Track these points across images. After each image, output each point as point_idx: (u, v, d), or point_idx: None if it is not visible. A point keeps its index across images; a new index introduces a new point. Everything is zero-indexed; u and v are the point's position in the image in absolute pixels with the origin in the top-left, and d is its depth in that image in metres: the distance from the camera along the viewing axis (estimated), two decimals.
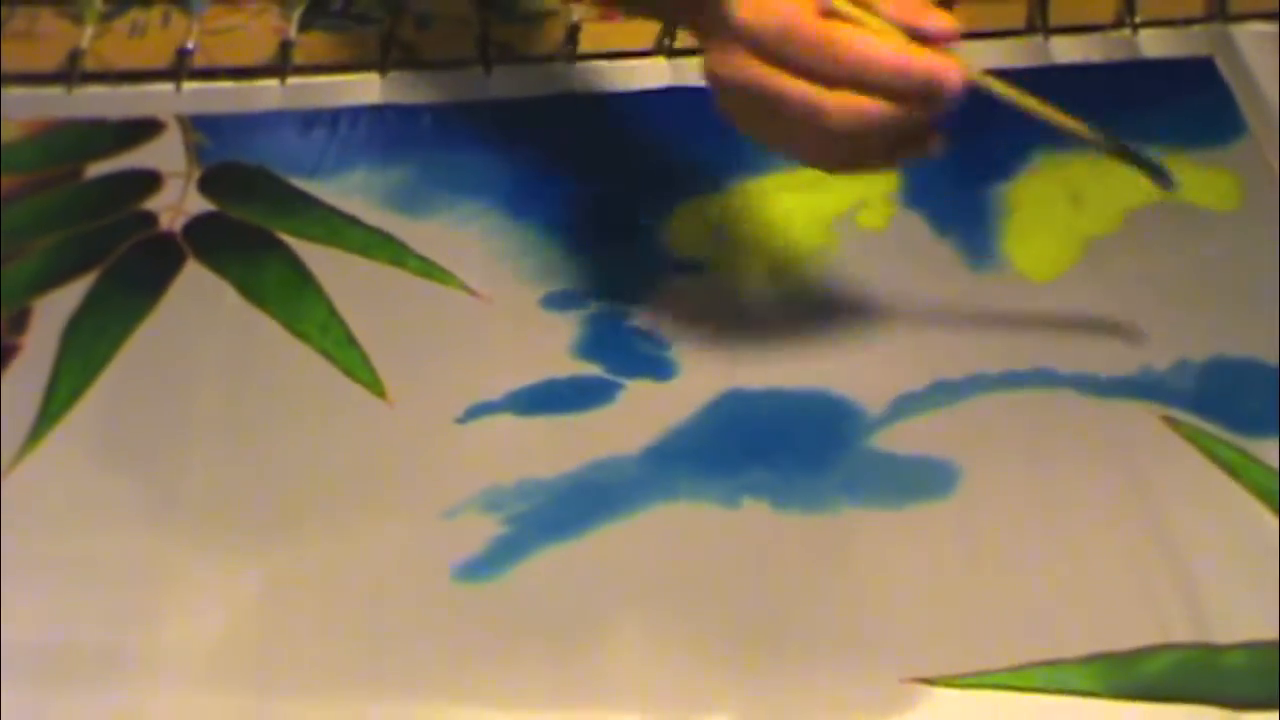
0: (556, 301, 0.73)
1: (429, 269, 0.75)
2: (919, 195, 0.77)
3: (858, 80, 0.58)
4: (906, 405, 0.68)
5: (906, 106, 0.58)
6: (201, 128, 0.84)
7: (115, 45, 0.88)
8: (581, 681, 0.59)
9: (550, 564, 0.63)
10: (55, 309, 0.74)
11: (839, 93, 0.58)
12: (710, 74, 0.61)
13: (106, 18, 0.88)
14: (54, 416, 0.69)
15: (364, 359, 0.71)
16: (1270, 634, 0.59)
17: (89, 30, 0.88)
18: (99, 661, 0.60)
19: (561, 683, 0.59)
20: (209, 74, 0.87)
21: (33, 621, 0.62)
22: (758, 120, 0.61)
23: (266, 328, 0.73)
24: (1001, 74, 0.85)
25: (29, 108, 0.85)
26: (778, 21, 0.58)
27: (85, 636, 0.61)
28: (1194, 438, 0.66)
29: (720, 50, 0.60)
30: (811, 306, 0.73)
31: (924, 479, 0.65)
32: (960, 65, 0.58)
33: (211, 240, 0.77)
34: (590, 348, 0.71)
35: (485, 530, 0.64)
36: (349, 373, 0.71)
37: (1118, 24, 0.87)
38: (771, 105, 0.59)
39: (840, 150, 0.61)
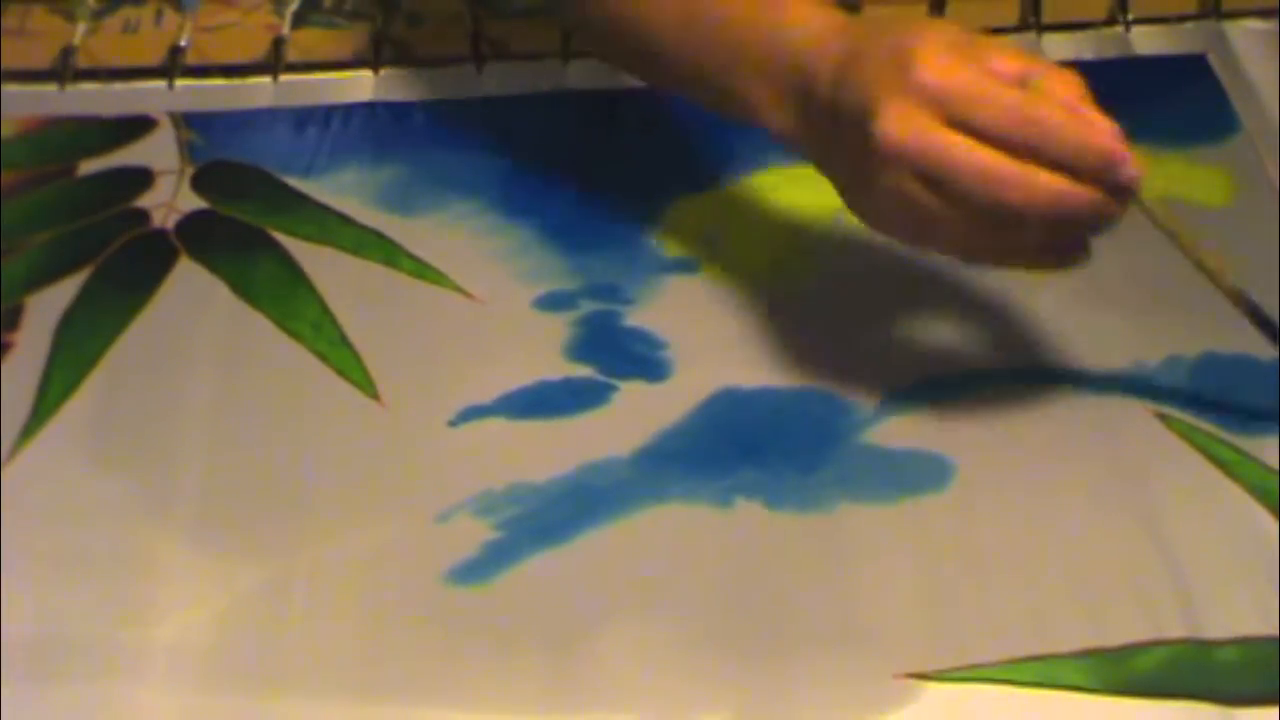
0: (549, 302, 0.73)
1: (422, 269, 0.75)
2: None
3: (1051, 143, 0.57)
4: (899, 401, 0.68)
5: (1086, 191, 0.58)
6: (194, 125, 0.84)
7: (108, 42, 0.88)
8: (575, 684, 0.59)
9: (543, 568, 0.63)
10: (48, 306, 0.74)
11: (1021, 164, 0.57)
12: (885, 135, 0.58)
13: (99, 15, 0.88)
14: (47, 414, 0.69)
15: (357, 359, 0.71)
16: (1264, 629, 0.59)
17: (81, 27, 0.88)
18: (90, 658, 0.60)
19: (555, 686, 0.59)
20: (202, 71, 0.87)
21: (25, 617, 0.61)
22: (914, 199, 0.59)
23: (259, 326, 0.73)
24: None
25: (22, 105, 0.85)
26: (969, 78, 0.58)
27: (77, 633, 0.61)
28: (1186, 434, 0.66)
29: (900, 109, 0.58)
30: (804, 303, 0.73)
31: (917, 474, 0.66)
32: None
33: (204, 238, 0.77)
34: (583, 349, 0.71)
35: (477, 534, 0.64)
36: (342, 373, 0.71)
37: (1111, 21, 0.87)
38: (943, 173, 0.58)
39: (995, 237, 0.60)
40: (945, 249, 0.62)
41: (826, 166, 0.64)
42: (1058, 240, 0.61)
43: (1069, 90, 0.59)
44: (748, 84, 0.64)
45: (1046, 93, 0.58)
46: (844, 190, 0.63)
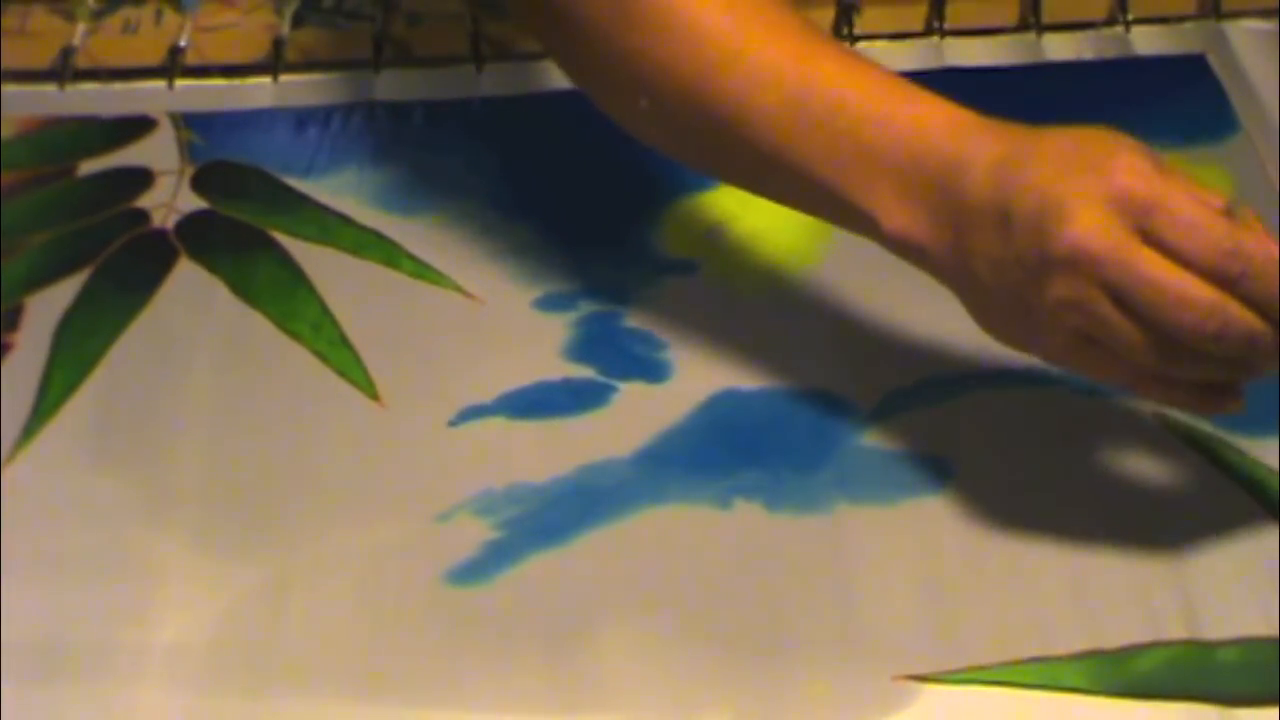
0: (549, 303, 0.73)
1: (422, 270, 0.75)
2: None
3: (1252, 280, 0.54)
4: (898, 402, 0.68)
5: (1272, 332, 0.54)
6: (194, 125, 0.84)
7: (107, 43, 0.88)
8: (575, 685, 0.59)
9: (543, 568, 0.63)
10: (48, 306, 0.74)
11: (1219, 293, 0.54)
12: (1079, 241, 0.54)
13: (99, 15, 0.88)
14: (46, 414, 0.69)
15: (356, 359, 0.71)
16: (1265, 630, 0.59)
17: (81, 28, 0.88)
18: (90, 659, 0.60)
19: (555, 686, 0.59)
20: (201, 72, 0.87)
21: (25, 619, 0.61)
22: (1092, 311, 0.55)
23: (259, 327, 0.73)
24: (994, 71, 0.86)
25: (21, 105, 0.85)
26: (1175, 195, 0.54)
27: (77, 633, 0.61)
28: (1186, 434, 0.66)
29: (1096, 215, 0.54)
30: (804, 304, 0.73)
31: (917, 474, 0.65)
32: None
33: (204, 238, 0.77)
34: (583, 350, 0.71)
35: (477, 534, 0.64)
36: (341, 373, 0.71)
37: (1110, 21, 0.87)
38: (1137, 289, 0.54)
39: (1165, 365, 0.55)
40: (1105, 370, 0.57)
41: (958, 272, 0.59)
42: (1220, 381, 0.57)
43: (1258, 223, 0.56)
44: (867, 182, 0.59)
45: (1249, 225, 0.55)
46: (982, 300, 0.59)
